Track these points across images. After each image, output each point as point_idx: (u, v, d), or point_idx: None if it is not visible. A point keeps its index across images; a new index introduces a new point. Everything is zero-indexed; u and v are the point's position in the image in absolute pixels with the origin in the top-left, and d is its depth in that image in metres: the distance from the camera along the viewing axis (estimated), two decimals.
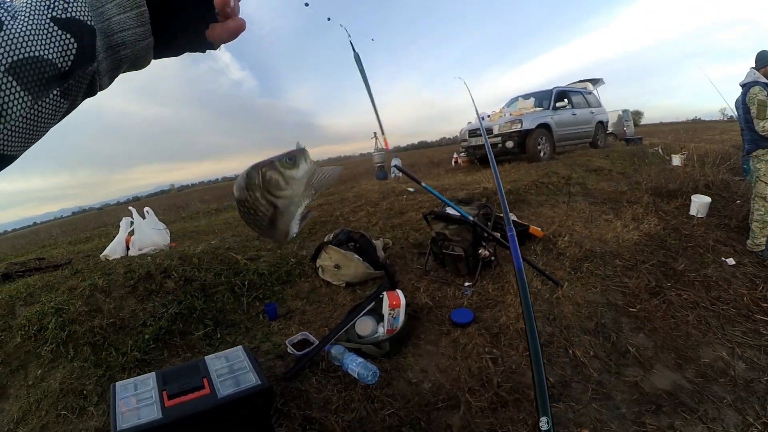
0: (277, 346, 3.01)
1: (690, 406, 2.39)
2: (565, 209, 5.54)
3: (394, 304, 2.85)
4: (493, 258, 3.78)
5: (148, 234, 4.76)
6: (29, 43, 0.43)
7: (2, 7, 0.44)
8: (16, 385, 2.78)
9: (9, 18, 0.43)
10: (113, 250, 4.73)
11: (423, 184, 3.08)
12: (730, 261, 4.12)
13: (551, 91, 11.24)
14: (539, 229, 4.53)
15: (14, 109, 0.42)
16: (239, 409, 2.02)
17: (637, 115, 19.21)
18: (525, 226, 4.39)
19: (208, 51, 0.61)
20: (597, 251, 4.16)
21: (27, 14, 0.44)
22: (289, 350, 2.87)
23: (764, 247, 4.35)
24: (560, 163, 8.73)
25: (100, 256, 4.75)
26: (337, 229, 4.42)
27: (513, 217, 4.75)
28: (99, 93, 0.53)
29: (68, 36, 0.46)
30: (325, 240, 4.15)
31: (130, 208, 5.00)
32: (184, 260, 3.99)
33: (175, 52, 0.60)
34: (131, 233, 4.85)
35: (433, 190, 3.19)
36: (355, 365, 2.59)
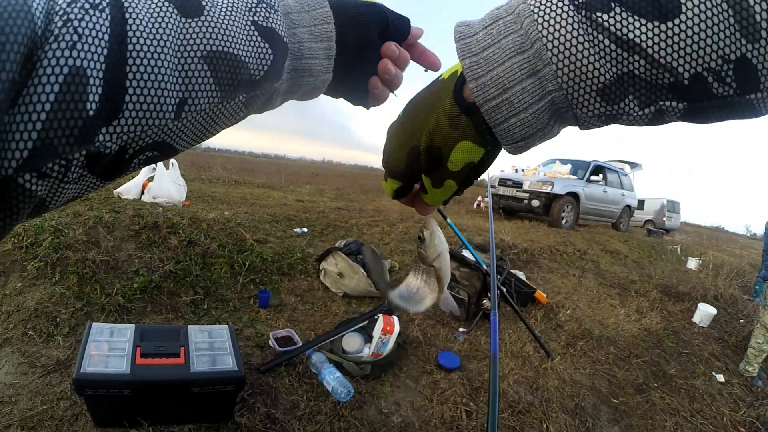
0: (260, 335, 2.96)
1: None
2: (574, 283, 5.48)
3: (387, 329, 2.80)
4: None
5: (166, 185, 4.76)
6: (230, 39, 0.41)
7: None
8: None
9: (210, 6, 0.41)
10: (128, 189, 4.73)
11: (448, 220, 3.04)
12: (720, 377, 4.05)
13: (589, 162, 11.23)
14: (545, 295, 4.48)
15: (201, 101, 0.40)
16: (208, 388, 1.97)
17: (673, 205, 19.12)
18: (532, 290, 4.34)
19: (357, 105, 0.63)
20: (595, 333, 4.11)
21: (228, 9, 0.42)
22: (270, 343, 2.81)
23: (755, 374, 4.27)
24: (579, 235, 8.66)
25: (114, 191, 4.74)
26: (350, 237, 4.38)
27: (522, 276, 4.70)
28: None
29: (266, 45, 0.44)
30: (336, 245, 4.11)
31: None
32: (193, 222, 3.96)
33: (335, 94, 0.60)
34: (150, 179, 4.84)
35: (457, 230, 3.15)
36: (332, 378, 2.53)
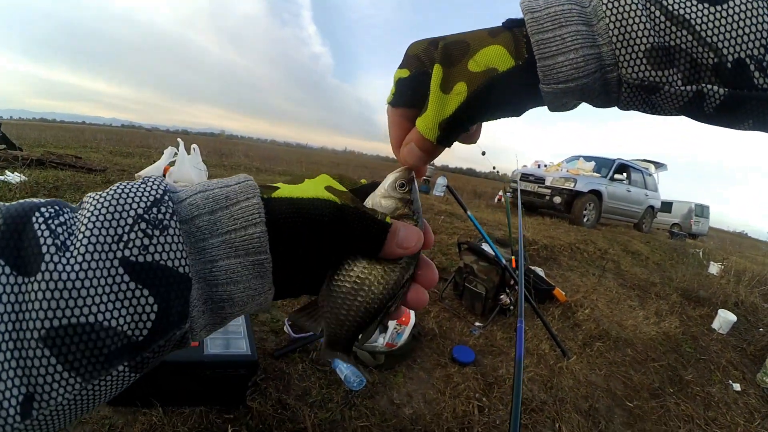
0: (275, 320, 2.97)
1: None
2: (594, 282, 5.42)
3: (403, 320, 2.79)
4: (511, 307, 3.70)
5: (187, 170, 4.79)
6: (80, 300, 0.29)
7: (51, 226, 0.31)
8: None
9: (55, 249, 0.30)
10: (149, 173, 4.77)
11: (468, 213, 3.02)
12: (736, 386, 3.96)
13: (613, 161, 11.08)
14: (563, 293, 4.43)
15: (54, 392, 0.30)
16: (220, 371, 1.98)
17: (701, 209, 18.77)
18: (551, 287, 4.30)
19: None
20: (612, 334, 4.05)
21: (86, 249, 0.30)
22: (285, 329, 2.82)
23: None
24: (601, 234, 8.56)
25: (136, 174, 4.79)
26: None
27: (541, 273, 4.66)
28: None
29: (143, 293, 0.31)
30: None
31: (179, 139, 5.02)
32: None
33: (294, 294, 0.45)
34: (172, 164, 4.88)
35: (477, 222, 3.13)
36: (345, 367, 2.53)
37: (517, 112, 0.45)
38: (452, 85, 0.41)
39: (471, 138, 0.50)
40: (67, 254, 0.30)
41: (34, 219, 0.31)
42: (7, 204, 0.31)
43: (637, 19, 0.36)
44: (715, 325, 5.19)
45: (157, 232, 0.33)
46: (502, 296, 3.59)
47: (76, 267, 0.29)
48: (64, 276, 0.29)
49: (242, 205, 0.37)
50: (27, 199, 0.33)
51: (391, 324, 2.81)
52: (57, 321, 0.28)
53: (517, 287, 3.53)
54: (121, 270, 0.31)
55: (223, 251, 0.36)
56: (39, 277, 0.29)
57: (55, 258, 0.29)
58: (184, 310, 0.34)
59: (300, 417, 2.21)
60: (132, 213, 0.33)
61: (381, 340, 2.83)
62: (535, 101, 0.43)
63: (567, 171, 10.59)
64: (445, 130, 0.42)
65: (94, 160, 5.47)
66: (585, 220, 9.52)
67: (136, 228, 0.32)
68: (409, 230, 0.42)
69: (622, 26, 0.36)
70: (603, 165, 11.10)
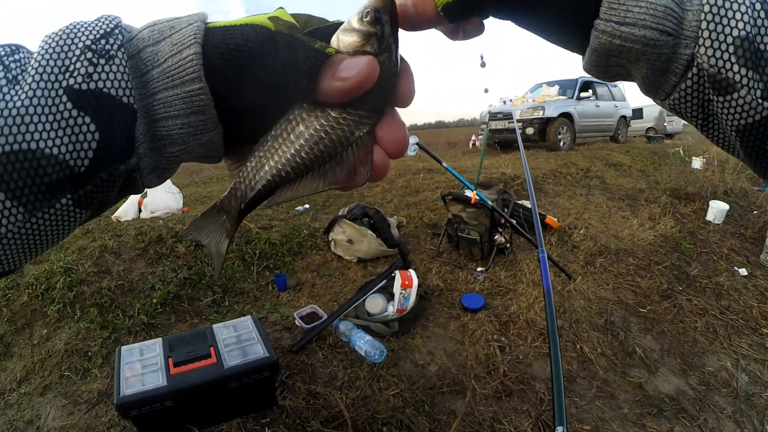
0: (285, 317, 3.00)
1: (691, 413, 2.37)
2: (583, 202, 5.47)
3: (407, 284, 2.83)
4: (508, 245, 3.74)
5: (161, 197, 4.75)
6: (23, 127, 0.29)
7: (6, 61, 0.31)
8: (21, 344, 2.78)
9: (5, 82, 0.30)
10: (125, 211, 4.73)
11: (444, 164, 3.04)
12: (743, 271, 4.05)
13: (576, 80, 11.05)
14: (555, 219, 4.48)
15: None
16: (245, 380, 2.01)
17: None
18: (542, 216, 4.32)
19: None
20: (611, 247, 4.11)
21: (33, 79, 0.30)
22: (297, 323, 2.86)
23: None
24: (580, 154, 8.60)
25: (112, 217, 4.74)
26: (352, 203, 4.39)
27: (529, 205, 4.69)
28: None
29: (85, 119, 0.30)
30: (340, 214, 4.12)
31: None
32: None
33: (250, 141, 0.39)
34: (144, 195, 4.84)
35: (454, 171, 3.15)
36: (363, 342, 2.58)
37: (549, 27, 0.38)
38: None
39: (473, 30, 0.42)
40: (17, 87, 0.30)
41: None
42: None
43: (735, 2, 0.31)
44: (710, 216, 5.28)
45: (102, 61, 0.31)
46: (496, 236, 3.63)
47: (23, 96, 0.29)
48: (10, 105, 0.29)
49: (182, 32, 0.34)
50: None
51: (397, 291, 2.85)
52: (0, 148, 0.28)
53: (507, 225, 3.58)
54: (65, 98, 0.30)
55: (162, 83, 0.33)
56: None
57: (5, 90, 0.29)
58: (129, 144, 0.33)
59: (333, 402, 2.26)
60: (80, 44, 0.31)
61: (391, 309, 2.87)
62: (564, 32, 0.37)
63: (533, 101, 10.57)
64: (464, 2, 0.36)
65: None
66: (561, 144, 9.53)
67: (82, 57, 0.31)
68: (355, 60, 0.33)
69: (716, 3, 0.31)
70: (567, 87, 11.04)
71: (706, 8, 0.31)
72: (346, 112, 0.35)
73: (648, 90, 0.37)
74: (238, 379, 1.98)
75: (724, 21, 0.31)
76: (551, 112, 9.57)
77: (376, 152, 0.36)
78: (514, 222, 3.54)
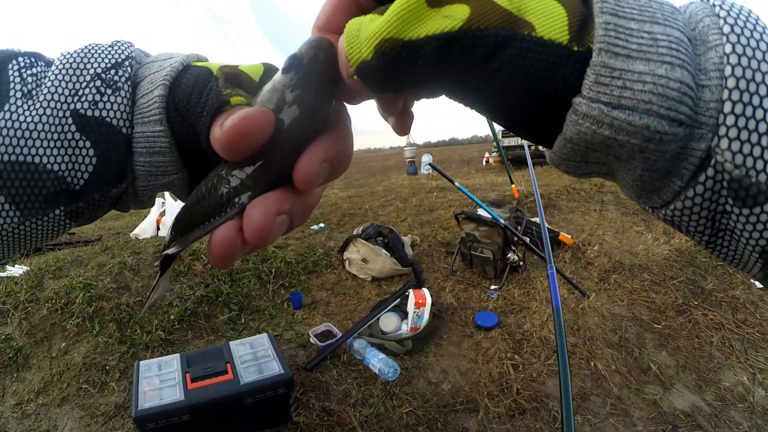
0: (300, 335, 3.03)
1: (706, 429, 2.34)
2: (596, 218, 5.45)
3: (420, 302, 2.85)
4: (521, 263, 3.75)
5: None
6: (30, 141, 0.31)
7: (24, 74, 0.33)
8: (40, 356, 2.84)
9: (20, 95, 0.32)
10: (144, 229, 4.82)
11: (456, 183, 3.07)
12: (759, 284, 3.99)
13: None
14: (569, 236, 4.47)
15: None
16: (260, 396, 2.04)
17: None
18: (555, 233, 4.33)
19: None
20: (626, 263, 4.08)
21: (45, 98, 0.32)
22: (311, 340, 2.89)
23: None
24: None
25: (131, 234, 4.83)
26: (366, 222, 4.43)
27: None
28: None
29: (85, 143, 0.33)
30: (354, 233, 4.16)
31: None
32: None
33: None
34: (162, 214, 4.93)
35: (466, 191, 3.19)
36: (377, 360, 2.60)
37: (490, 104, 0.27)
38: (446, 1, 0.24)
39: (401, 112, 0.33)
40: (30, 102, 0.32)
41: (10, 66, 0.34)
42: None
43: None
44: None
45: (109, 91, 0.34)
46: (509, 254, 3.64)
47: (34, 113, 0.32)
48: (21, 119, 0.31)
49: (161, 72, 0.35)
50: (8, 48, 0.35)
51: (410, 309, 2.87)
52: (6, 156, 0.31)
53: (520, 243, 3.59)
54: (70, 121, 0.32)
55: (137, 118, 0.35)
56: (0, 115, 0.31)
57: (19, 102, 0.32)
58: (122, 170, 0.35)
59: (346, 419, 2.28)
60: (92, 71, 0.34)
61: (404, 327, 2.89)
62: (523, 110, 0.26)
63: None
64: (388, 63, 0.25)
65: (88, 232, 5.50)
66: None
67: (91, 84, 0.33)
68: (240, 111, 0.27)
69: (744, 76, 0.22)
70: None
71: (731, 83, 0.22)
72: (235, 171, 0.28)
73: (637, 195, 0.28)
74: (253, 395, 2.02)
75: (755, 101, 0.22)
76: None
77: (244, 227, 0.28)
78: (527, 240, 3.55)
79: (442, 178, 3.27)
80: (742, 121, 0.22)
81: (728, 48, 0.22)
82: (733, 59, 0.22)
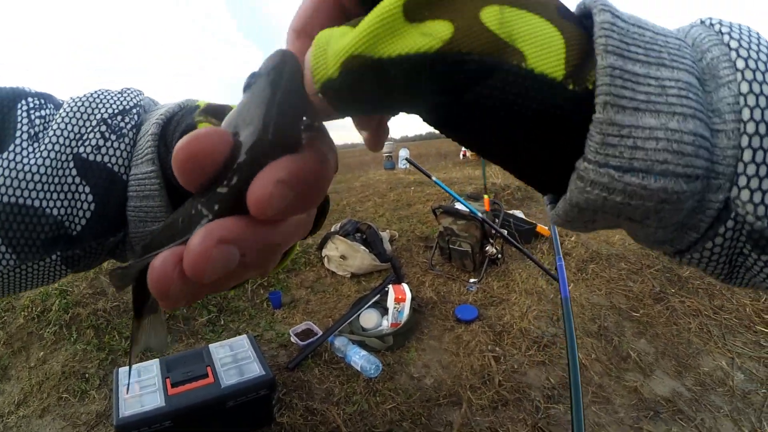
0: (280, 335, 3.02)
1: (687, 414, 2.39)
2: None
3: (400, 298, 2.86)
4: (499, 255, 3.78)
5: None
6: (31, 184, 0.31)
7: (32, 116, 0.33)
8: (18, 366, 2.78)
9: (26, 137, 0.32)
10: None
11: (433, 178, 3.07)
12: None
13: None
14: (546, 227, 4.51)
15: None
16: (242, 398, 2.02)
17: None
18: (533, 225, 4.37)
19: None
20: (603, 253, 4.14)
21: (51, 141, 0.32)
22: (292, 339, 2.88)
23: None
24: None
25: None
26: (344, 218, 4.41)
27: (520, 215, 4.73)
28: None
29: (85, 189, 0.32)
30: (332, 230, 4.15)
31: None
32: None
33: None
34: None
35: (444, 185, 3.18)
36: (359, 358, 2.60)
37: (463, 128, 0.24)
38: (427, 16, 0.21)
39: (375, 127, 0.31)
40: (35, 145, 0.32)
41: (19, 106, 0.33)
42: (1, 86, 0.34)
43: None
44: None
45: (113, 137, 0.33)
46: (487, 247, 3.67)
47: (38, 157, 0.31)
48: (24, 161, 0.31)
49: (157, 112, 0.35)
50: (20, 86, 0.35)
51: (390, 305, 2.88)
52: (6, 198, 0.30)
53: (498, 236, 3.61)
54: (72, 164, 0.32)
55: (134, 160, 0.34)
56: (4, 156, 0.31)
57: (24, 144, 0.31)
58: (120, 217, 0.34)
59: (330, 417, 2.28)
60: (98, 116, 0.33)
61: (385, 323, 2.90)
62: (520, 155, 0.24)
63: None
64: (353, 83, 0.21)
65: None
66: None
67: (96, 129, 0.33)
68: (194, 132, 0.24)
69: (764, 119, 0.20)
70: None
71: (750, 128, 0.20)
72: (198, 199, 0.25)
73: (648, 245, 0.27)
74: (235, 398, 2.00)
75: None
76: None
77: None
78: (505, 232, 3.58)
79: (419, 173, 3.27)
80: (763, 170, 0.20)
81: (744, 87, 0.20)
82: (751, 100, 0.20)
